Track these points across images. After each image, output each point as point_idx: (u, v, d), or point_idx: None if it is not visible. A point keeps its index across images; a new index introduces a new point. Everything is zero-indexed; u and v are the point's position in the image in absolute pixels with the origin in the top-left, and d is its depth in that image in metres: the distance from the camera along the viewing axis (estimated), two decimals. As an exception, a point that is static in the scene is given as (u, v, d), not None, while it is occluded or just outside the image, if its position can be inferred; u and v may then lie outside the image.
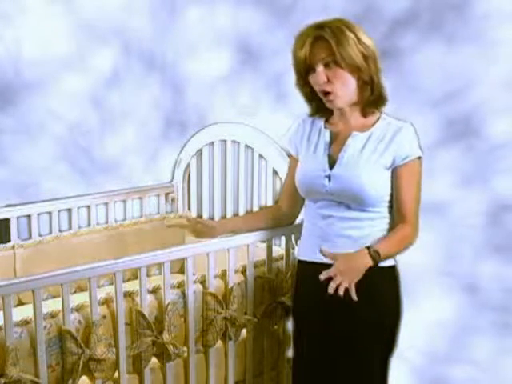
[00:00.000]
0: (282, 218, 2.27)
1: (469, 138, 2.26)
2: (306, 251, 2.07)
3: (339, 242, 1.96)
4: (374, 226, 1.95)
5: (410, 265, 2.39)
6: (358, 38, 1.88)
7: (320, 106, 2.04)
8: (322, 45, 1.89)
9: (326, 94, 1.94)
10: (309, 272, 2.06)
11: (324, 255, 1.91)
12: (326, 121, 2.07)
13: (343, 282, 1.81)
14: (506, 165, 2.19)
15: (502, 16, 2.13)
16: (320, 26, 1.89)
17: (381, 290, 1.98)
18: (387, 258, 1.93)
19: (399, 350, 2.50)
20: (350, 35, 1.87)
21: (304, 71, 1.96)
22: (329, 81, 1.91)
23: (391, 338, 2.03)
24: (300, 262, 2.12)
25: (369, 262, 1.87)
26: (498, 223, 2.24)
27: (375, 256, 1.88)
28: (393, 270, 2.01)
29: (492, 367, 2.33)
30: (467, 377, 2.38)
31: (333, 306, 1.98)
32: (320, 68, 1.90)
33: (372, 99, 1.95)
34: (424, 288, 2.45)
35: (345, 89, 1.91)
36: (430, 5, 2.28)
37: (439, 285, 2.41)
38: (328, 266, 1.96)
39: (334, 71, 1.89)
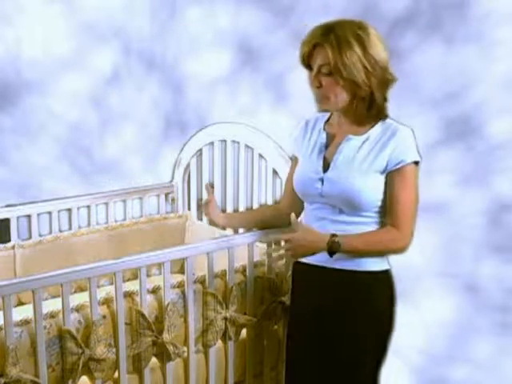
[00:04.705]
0: (282, 218, 2.26)
1: (469, 138, 2.26)
2: None
3: None
4: (366, 230, 1.92)
5: (410, 265, 2.39)
6: (366, 52, 1.82)
7: None
8: (322, 51, 1.85)
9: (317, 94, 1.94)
10: (302, 273, 2.07)
11: (292, 223, 1.92)
12: (328, 121, 2.05)
13: (290, 251, 1.92)
14: (506, 165, 2.19)
15: (502, 16, 2.12)
16: (328, 31, 1.83)
17: (373, 294, 1.96)
18: (351, 252, 1.90)
19: (399, 350, 2.50)
20: (356, 49, 1.81)
21: (306, 67, 1.94)
22: (321, 86, 1.89)
23: (382, 342, 2.00)
24: (295, 262, 2.12)
25: (324, 248, 1.87)
26: (498, 223, 2.24)
27: (334, 246, 1.86)
28: (386, 275, 1.98)
29: (492, 367, 2.33)
30: (467, 377, 2.38)
31: (325, 308, 1.99)
32: (314, 72, 1.89)
33: (368, 114, 1.91)
34: (424, 288, 2.45)
35: (336, 98, 1.89)
36: (430, 5, 2.28)
37: (439, 285, 2.41)
38: (321, 267, 1.98)
39: (328, 80, 1.87)
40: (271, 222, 2.29)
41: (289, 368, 2.18)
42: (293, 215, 1.96)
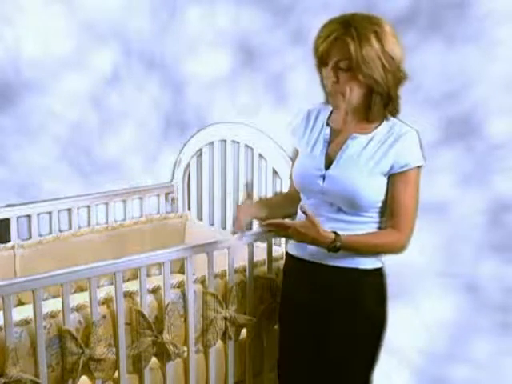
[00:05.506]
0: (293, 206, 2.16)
1: (469, 137, 2.25)
2: (294, 246, 2.06)
3: None
4: (363, 229, 1.91)
5: (410, 265, 2.39)
6: (383, 49, 1.80)
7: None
8: (341, 45, 1.81)
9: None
10: (295, 267, 2.06)
11: (304, 211, 1.84)
12: (330, 114, 2.02)
13: (287, 233, 1.87)
14: (506, 165, 2.19)
15: (502, 16, 2.12)
16: (347, 25, 1.80)
17: (363, 292, 1.95)
18: (351, 252, 1.89)
19: (399, 350, 2.50)
20: (375, 45, 1.79)
21: (318, 62, 1.90)
22: (338, 82, 1.85)
23: (374, 342, 1.99)
24: (288, 254, 2.11)
25: (323, 245, 1.85)
26: (498, 223, 2.24)
27: (332, 249, 1.85)
28: (378, 273, 1.97)
29: (492, 367, 2.33)
30: (467, 377, 2.38)
31: (314, 305, 1.98)
32: (331, 66, 1.84)
33: (383, 111, 1.89)
34: (424, 288, 2.45)
35: (351, 95, 1.86)
36: (430, 4, 2.28)
37: (439, 285, 2.41)
38: (312, 263, 1.97)
39: (345, 75, 1.83)
40: (286, 208, 2.18)
41: (280, 364, 2.18)
42: (305, 205, 1.89)
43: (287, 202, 2.17)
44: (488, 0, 2.15)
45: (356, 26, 1.80)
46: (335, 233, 1.86)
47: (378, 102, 1.87)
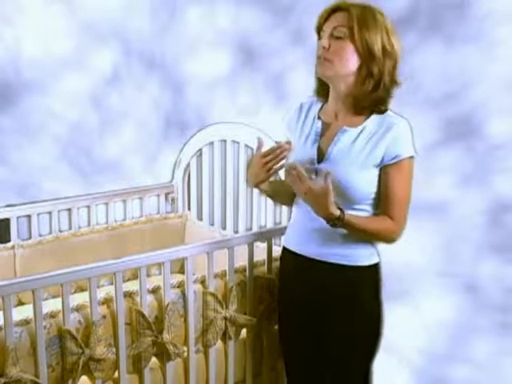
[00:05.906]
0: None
1: (469, 138, 2.26)
2: (290, 240, 2.06)
3: (323, 235, 1.93)
4: None
5: (410, 265, 2.39)
6: (387, 31, 1.81)
7: (320, 88, 1.99)
8: (343, 13, 1.81)
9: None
10: (290, 261, 2.06)
11: (326, 175, 1.79)
12: (322, 107, 2.01)
13: (300, 185, 1.81)
14: (506, 165, 2.19)
15: (502, 16, 2.12)
16: (353, 3, 1.81)
17: (362, 290, 1.95)
18: (347, 228, 1.87)
19: (399, 350, 2.50)
20: (380, 23, 1.80)
21: (318, 35, 1.89)
22: (329, 49, 1.83)
23: (371, 339, 1.99)
24: (284, 248, 2.10)
25: (323, 216, 1.82)
26: (498, 223, 2.24)
27: (335, 221, 1.82)
28: (374, 269, 1.96)
29: (492, 367, 2.33)
30: (467, 377, 2.38)
31: (311, 301, 1.99)
32: (327, 34, 1.83)
33: (370, 97, 1.85)
34: (424, 288, 2.45)
35: (340, 63, 1.82)
36: (430, 4, 2.28)
37: (439, 285, 2.41)
38: (309, 259, 1.96)
39: (338, 43, 1.81)
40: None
41: (286, 362, 2.19)
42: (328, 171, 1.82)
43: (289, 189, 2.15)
44: (488, 0, 2.15)
45: (362, 6, 1.82)
46: (341, 210, 1.83)
47: (368, 82, 1.83)
